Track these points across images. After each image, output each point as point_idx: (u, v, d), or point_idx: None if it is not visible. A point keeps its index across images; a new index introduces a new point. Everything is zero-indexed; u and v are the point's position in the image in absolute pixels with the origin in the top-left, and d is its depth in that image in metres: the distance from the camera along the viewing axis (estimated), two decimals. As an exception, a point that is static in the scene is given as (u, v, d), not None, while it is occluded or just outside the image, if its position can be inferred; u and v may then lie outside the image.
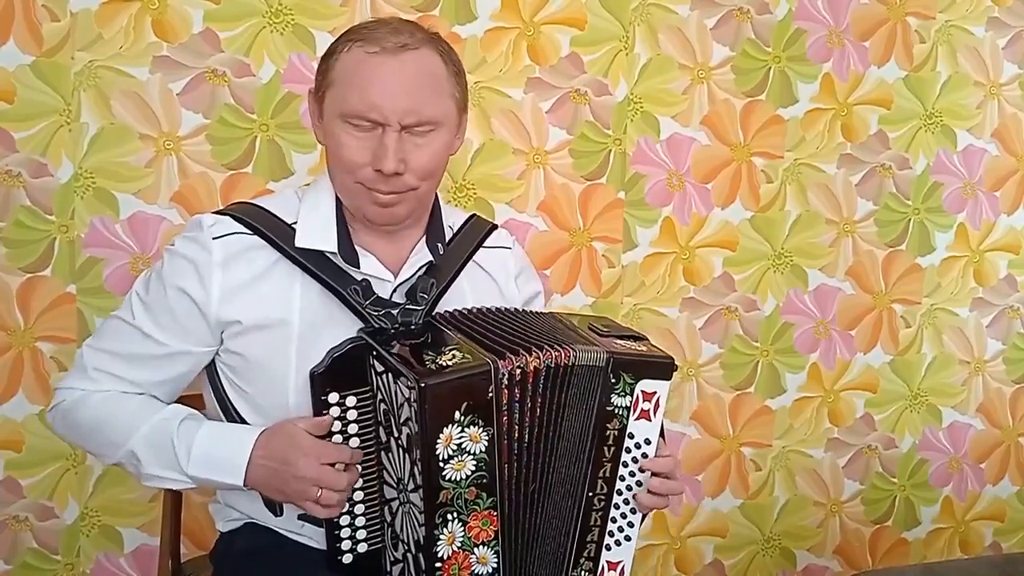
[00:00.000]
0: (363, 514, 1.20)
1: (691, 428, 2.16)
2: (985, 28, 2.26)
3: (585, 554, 1.25)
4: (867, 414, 2.29)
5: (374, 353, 1.15)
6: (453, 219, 1.42)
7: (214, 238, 1.23)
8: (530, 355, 1.16)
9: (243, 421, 1.27)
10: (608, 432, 1.22)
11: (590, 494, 1.23)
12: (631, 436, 1.24)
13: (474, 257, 1.39)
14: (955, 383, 2.36)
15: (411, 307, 1.25)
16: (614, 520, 1.26)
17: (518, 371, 1.14)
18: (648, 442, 1.25)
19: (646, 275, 2.09)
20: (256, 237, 1.25)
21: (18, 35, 1.67)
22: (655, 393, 1.23)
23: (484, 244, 1.42)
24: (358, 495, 1.20)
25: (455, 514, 1.11)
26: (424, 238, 1.32)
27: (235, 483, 1.19)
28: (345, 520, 1.20)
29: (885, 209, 2.24)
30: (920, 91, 2.23)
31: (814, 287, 2.22)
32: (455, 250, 1.37)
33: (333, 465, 1.16)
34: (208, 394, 1.32)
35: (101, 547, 1.80)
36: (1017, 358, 2.39)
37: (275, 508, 1.26)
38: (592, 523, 1.24)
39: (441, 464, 1.09)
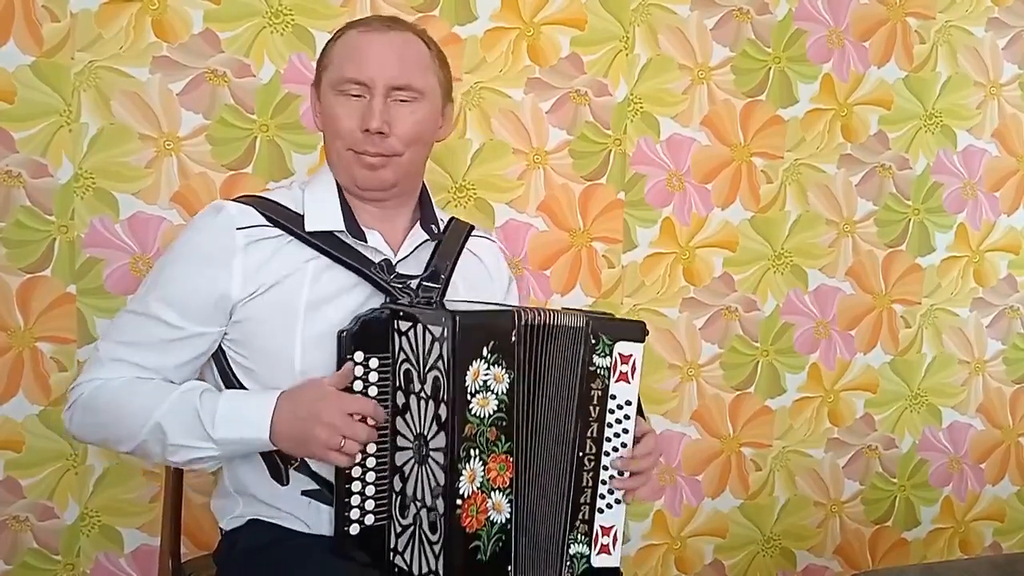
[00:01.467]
0: (373, 483, 1.23)
1: (691, 428, 2.16)
2: (985, 28, 2.26)
3: (580, 517, 1.28)
4: (867, 414, 2.29)
5: (400, 314, 1.22)
6: (439, 216, 1.51)
7: (238, 228, 1.30)
8: (534, 315, 1.23)
9: None
10: (593, 392, 1.28)
11: (580, 454, 1.27)
12: (613, 397, 1.30)
13: (469, 243, 1.49)
14: (955, 383, 2.36)
15: (430, 284, 1.35)
16: (604, 483, 1.30)
17: (539, 319, 1.21)
18: (629, 403, 1.31)
19: (646, 275, 2.09)
20: (275, 228, 1.32)
21: (18, 35, 1.67)
22: (631, 356, 1.31)
23: (472, 234, 1.52)
24: (370, 462, 1.22)
25: (477, 452, 1.15)
26: (419, 221, 1.42)
27: (260, 437, 1.22)
28: (356, 487, 1.22)
29: (885, 209, 2.24)
30: (920, 91, 2.23)
31: (814, 287, 2.22)
32: (451, 236, 1.46)
33: (356, 417, 1.20)
34: (212, 375, 1.35)
35: (101, 547, 1.80)
36: (1017, 358, 2.39)
37: (281, 477, 1.29)
38: (584, 484, 1.28)
39: (468, 397, 1.14)
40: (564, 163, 2.01)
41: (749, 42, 2.10)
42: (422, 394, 1.18)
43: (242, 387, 1.32)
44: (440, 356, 1.15)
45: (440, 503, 1.15)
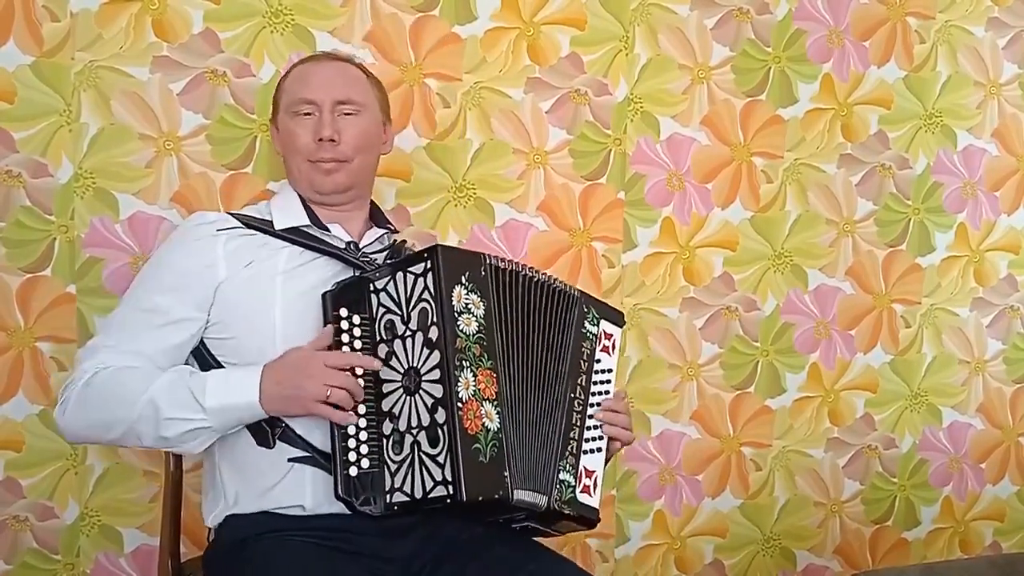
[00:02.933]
0: (365, 428, 1.31)
1: (691, 428, 2.16)
2: (985, 28, 2.26)
3: (569, 449, 1.42)
4: (867, 414, 2.29)
5: (376, 276, 1.36)
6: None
7: (219, 229, 1.44)
8: (510, 265, 1.40)
9: None
10: (583, 349, 1.47)
11: (571, 395, 1.44)
12: (598, 361, 1.50)
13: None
14: (955, 383, 2.36)
15: (394, 260, 1.46)
16: (589, 429, 1.46)
17: (503, 264, 1.38)
18: (609, 371, 1.51)
19: (646, 275, 2.09)
20: (250, 229, 1.47)
21: (18, 35, 1.67)
22: (612, 336, 1.54)
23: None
24: (360, 408, 1.31)
25: (467, 363, 1.28)
26: (372, 225, 1.59)
27: (251, 400, 1.30)
28: (351, 433, 1.30)
29: (885, 209, 2.24)
30: (920, 91, 2.23)
31: (814, 287, 2.22)
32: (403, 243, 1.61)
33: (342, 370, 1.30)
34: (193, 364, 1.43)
35: (101, 547, 1.80)
36: (1017, 358, 2.39)
37: (268, 440, 1.36)
38: (573, 422, 1.43)
39: (456, 315, 1.29)
40: (564, 163, 2.01)
41: (749, 42, 2.10)
42: (407, 332, 1.31)
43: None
44: (425, 287, 1.30)
45: (440, 414, 1.25)
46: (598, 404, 1.48)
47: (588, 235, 2.04)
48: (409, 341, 1.31)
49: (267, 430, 1.36)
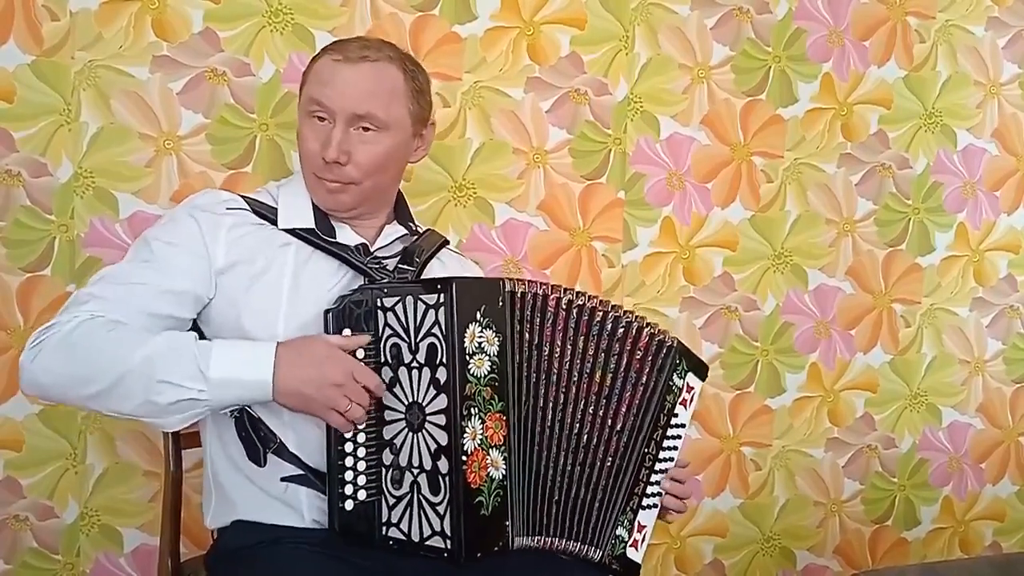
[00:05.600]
0: (364, 458, 1.24)
1: (691, 428, 2.15)
2: (985, 28, 2.26)
3: (631, 505, 1.36)
4: (867, 414, 2.29)
5: (384, 291, 1.25)
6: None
7: (228, 208, 1.35)
8: (541, 287, 1.29)
9: None
10: (666, 403, 1.39)
11: (645, 450, 1.37)
12: (675, 415, 1.41)
13: (440, 254, 1.50)
14: (955, 383, 2.36)
15: (405, 267, 1.38)
16: (652, 484, 1.39)
17: (529, 293, 1.27)
18: (683, 426, 1.42)
19: (646, 275, 2.09)
20: (257, 216, 1.37)
21: (18, 35, 1.67)
22: (693, 388, 1.44)
23: (447, 247, 1.54)
24: (360, 437, 1.24)
25: (476, 410, 1.20)
26: (394, 220, 1.47)
27: (263, 379, 1.19)
28: (349, 462, 1.23)
29: (885, 209, 2.24)
30: (920, 91, 2.23)
31: (814, 287, 2.22)
32: (428, 237, 1.49)
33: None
34: None
35: (101, 547, 1.80)
36: (1017, 358, 2.39)
37: (259, 458, 1.29)
38: (640, 477, 1.37)
39: (467, 358, 1.19)
40: (564, 162, 2.01)
41: (749, 41, 2.10)
42: (414, 363, 1.21)
43: None
44: (436, 322, 1.19)
45: (443, 463, 1.18)
46: (669, 459, 1.41)
47: (588, 235, 2.04)
48: (415, 373, 1.22)
49: (259, 447, 1.29)
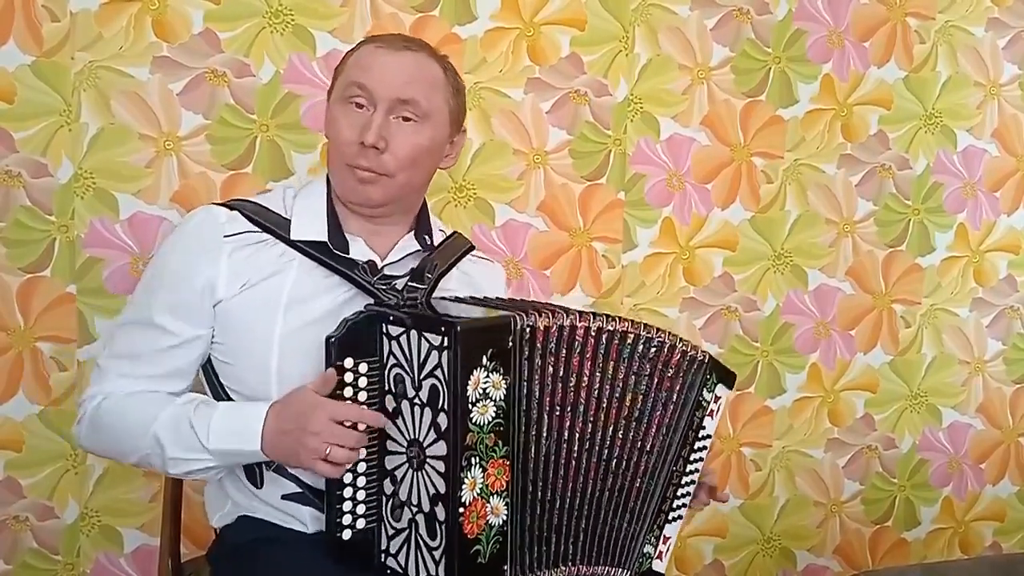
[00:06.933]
0: (364, 487, 1.22)
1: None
2: (985, 28, 2.26)
3: (658, 522, 1.37)
4: (867, 414, 2.29)
5: (390, 318, 1.20)
6: (439, 227, 1.48)
7: (225, 236, 1.29)
8: (555, 316, 1.23)
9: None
10: (695, 419, 1.37)
11: (674, 468, 1.36)
12: (703, 428, 1.39)
13: (461, 264, 1.44)
14: (955, 383, 2.36)
15: (415, 285, 1.31)
16: (678, 497, 1.39)
17: (542, 326, 1.21)
18: (709, 437, 1.41)
19: (646, 275, 2.09)
20: (262, 232, 1.31)
21: (18, 35, 1.67)
22: (721, 398, 1.41)
23: (471, 254, 1.48)
24: (360, 466, 1.21)
25: (477, 459, 1.15)
26: (412, 232, 1.40)
27: (254, 448, 1.21)
28: (348, 492, 1.21)
29: (885, 209, 2.24)
30: (920, 91, 2.23)
31: (814, 287, 2.22)
32: (445, 249, 1.42)
33: (342, 424, 1.18)
34: (205, 387, 1.35)
35: (101, 547, 1.80)
36: (1017, 358, 2.39)
37: (255, 479, 1.30)
38: (668, 494, 1.37)
39: (470, 407, 1.14)
40: (564, 163, 2.01)
41: (749, 42, 2.10)
42: (416, 400, 1.17)
43: (228, 396, 1.31)
44: (439, 365, 1.13)
45: (440, 511, 1.15)
46: (695, 470, 1.40)
47: (588, 235, 2.04)
48: (417, 411, 1.17)
49: (255, 469, 1.30)
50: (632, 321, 1.30)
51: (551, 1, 1.96)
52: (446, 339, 1.12)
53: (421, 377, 1.16)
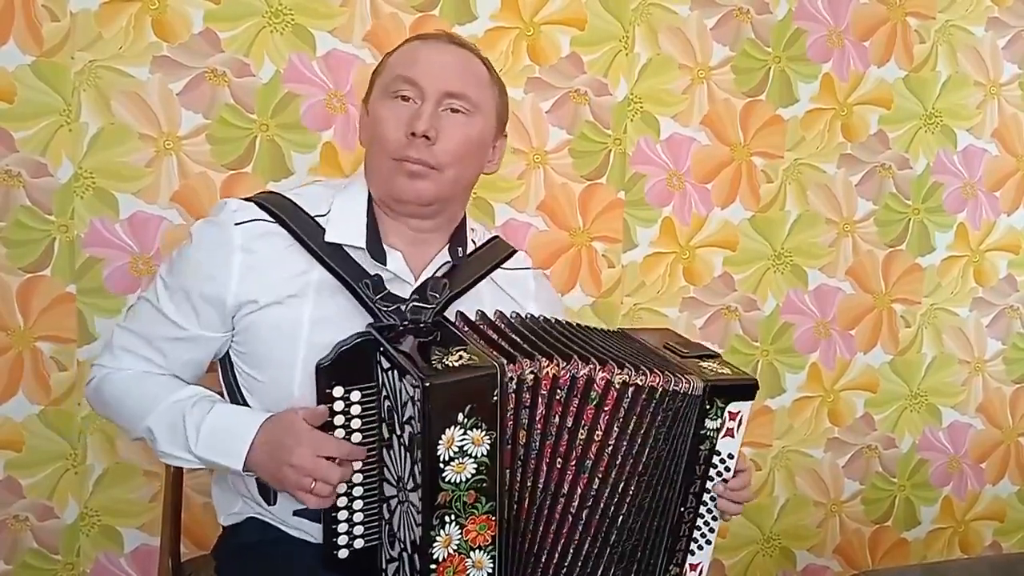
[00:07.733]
0: (362, 509, 1.20)
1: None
2: (985, 28, 2.26)
3: (675, 560, 1.30)
4: (867, 414, 2.29)
5: (381, 349, 1.16)
6: (477, 236, 1.43)
7: (236, 224, 1.25)
8: (553, 361, 1.16)
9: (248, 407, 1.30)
10: (700, 453, 1.27)
11: (681, 509, 1.28)
12: (717, 453, 1.29)
13: (494, 274, 1.39)
14: (955, 383, 2.36)
15: (421, 305, 1.26)
16: (698, 528, 1.31)
17: (530, 376, 1.14)
18: (731, 456, 1.30)
19: (646, 275, 2.09)
20: (277, 224, 1.26)
21: (18, 35, 1.67)
22: (739, 413, 1.29)
23: (504, 265, 1.42)
24: (358, 490, 1.20)
25: (452, 517, 1.10)
26: (447, 246, 1.34)
27: (236, 468, 1.21)
28: (343, 515, 1.20)
29: (885, 209, 2.24)
30: (920, 91, 2.23)
31: (814, 287, 2.22)
32: (475, 261, 1.37)
33: (329, 459, 1.16)
34: (221, 383, 1.34)
35: (101, 547, 1.80)
36: (1017, 358, 2.39)
37: (268, 496, 1.29)
38: (681, 534, 1.29)
39: (441, 466, 1.08)
40: (564, 163, 2.01)
41: (749, 42, 2.10)
42: (402, 440, 1.13)
43: (242, 396, 1.30)
44: (413, 416, 1.09)
45: (417, 560, 1.12)
46: (712, 499, 1.31)
47: (588, 235, 2.04)
48: (402, 451, 1.13)
49: (269, 488, 1.28)
50: (638, 368, 1.21)
51: (551, 1, 1.95)
52: (417, 392, 1.06)
53: (403, 419, 1.12)
